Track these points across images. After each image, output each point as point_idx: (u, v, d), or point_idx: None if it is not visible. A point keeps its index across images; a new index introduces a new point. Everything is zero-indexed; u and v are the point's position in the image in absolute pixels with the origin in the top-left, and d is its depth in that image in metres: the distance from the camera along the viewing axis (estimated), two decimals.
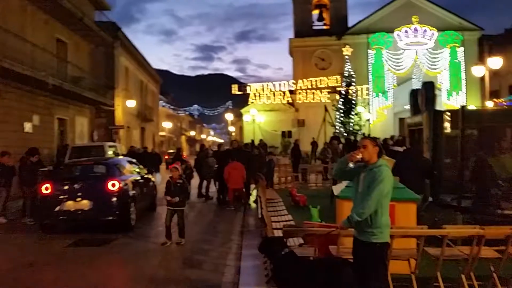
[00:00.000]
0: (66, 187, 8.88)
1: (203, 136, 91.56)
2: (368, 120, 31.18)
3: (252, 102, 33.91)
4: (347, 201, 4.85)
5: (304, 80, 33.21)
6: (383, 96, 33.80)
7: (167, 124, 51.19)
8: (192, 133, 78.53)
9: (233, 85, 34.65)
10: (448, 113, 8.97)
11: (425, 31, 33.05)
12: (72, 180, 9.13)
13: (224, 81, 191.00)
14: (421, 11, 33.64)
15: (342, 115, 29.74)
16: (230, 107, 65.58)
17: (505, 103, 22.14)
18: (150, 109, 35.53)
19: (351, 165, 3.98)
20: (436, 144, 9.03)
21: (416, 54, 33.39)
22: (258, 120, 34.02)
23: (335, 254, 4.80)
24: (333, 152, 17.66)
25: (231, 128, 59.33)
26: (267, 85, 33.78)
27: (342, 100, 29.88)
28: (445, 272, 4.88)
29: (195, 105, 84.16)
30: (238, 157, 12.29)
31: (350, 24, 35.74)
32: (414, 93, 11.84)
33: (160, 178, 16.16)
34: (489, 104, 20.75)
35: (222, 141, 65.40)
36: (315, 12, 36.91)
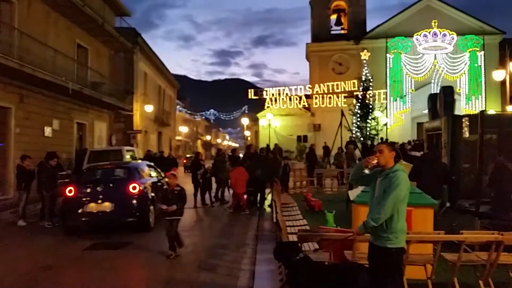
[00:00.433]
0: (88, 190, 9.15)
1: (218, 140, 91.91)
2: (386, 124, 30.87)
3: (268, 107, 33.93)
4: (363, 206, 4.82)
5: (321, 84, 33.09)
6: (400, 100, 33.51)
7: (184, 129, 51.59)
8: (208, 137, 78.95)
9: (249, 90, 34.59)
10: (467, 118, 8.84)
11: (444, 35, 32.71)
12: (95, 183, 9.41)
13: (241, 85, 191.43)
14: (440, 15, 33.28)
15: (359, 119, 29.52)
16: (246, 111, 65.65)
17: None
18: (168, 114, 35.87)
19: (366, 171, 3.95)
20: (454, 149, 8.92)
21: (435, 59, 33.06)
22: (274, 125, 33.95)
23: (350, 259, 4.77)
24: (348, 157, 17.49)
25: (247, 133, 59.40)
26: (283, 89, 33.73)
27: (359, 104, 29.67)
28: (462, 277, 4.81)
29: (211, 110, 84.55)
30: (254, 161, 12.31)
31: (368, 28, 35.54)
32: (432, 98, 11.73)
33: None
34: (510, 108, 20.40)
35: (237, 145, 65.55)
36: (333, 17, 36.80)
